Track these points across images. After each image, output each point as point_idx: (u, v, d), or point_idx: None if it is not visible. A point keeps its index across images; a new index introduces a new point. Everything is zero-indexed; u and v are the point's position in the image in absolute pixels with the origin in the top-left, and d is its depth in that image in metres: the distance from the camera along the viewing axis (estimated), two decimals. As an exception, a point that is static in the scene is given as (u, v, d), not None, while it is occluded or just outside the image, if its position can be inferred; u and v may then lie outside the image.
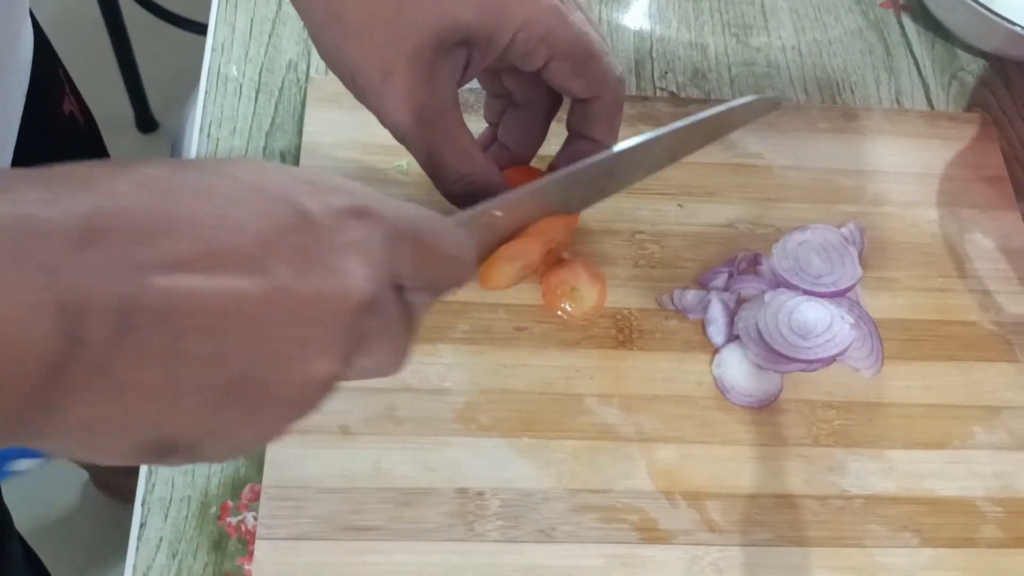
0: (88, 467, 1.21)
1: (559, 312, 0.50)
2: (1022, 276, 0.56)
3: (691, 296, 0.52)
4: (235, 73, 0.58)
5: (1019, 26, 0.59)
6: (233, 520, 0.45)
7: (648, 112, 0.59)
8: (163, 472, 0.45)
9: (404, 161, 0.53)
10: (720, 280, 0.53)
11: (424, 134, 0.40)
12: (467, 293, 0.50)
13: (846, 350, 0.50)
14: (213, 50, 0.58)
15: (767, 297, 0.51)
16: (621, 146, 0.43)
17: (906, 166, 0.59)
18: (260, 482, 0.45)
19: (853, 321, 0.51)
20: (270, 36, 0.59)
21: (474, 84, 0.45)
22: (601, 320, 0.51)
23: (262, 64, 0.58)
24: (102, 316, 0.22)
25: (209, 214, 0.25)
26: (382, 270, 0.28)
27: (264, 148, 0.55)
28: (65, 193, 0.23)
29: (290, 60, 0.58)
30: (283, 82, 0.58)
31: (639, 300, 0.52)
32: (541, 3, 0.38)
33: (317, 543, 0.43)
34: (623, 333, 0.51)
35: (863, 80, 0.64)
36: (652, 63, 0.63)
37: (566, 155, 0.43)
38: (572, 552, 0.45)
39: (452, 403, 0.48)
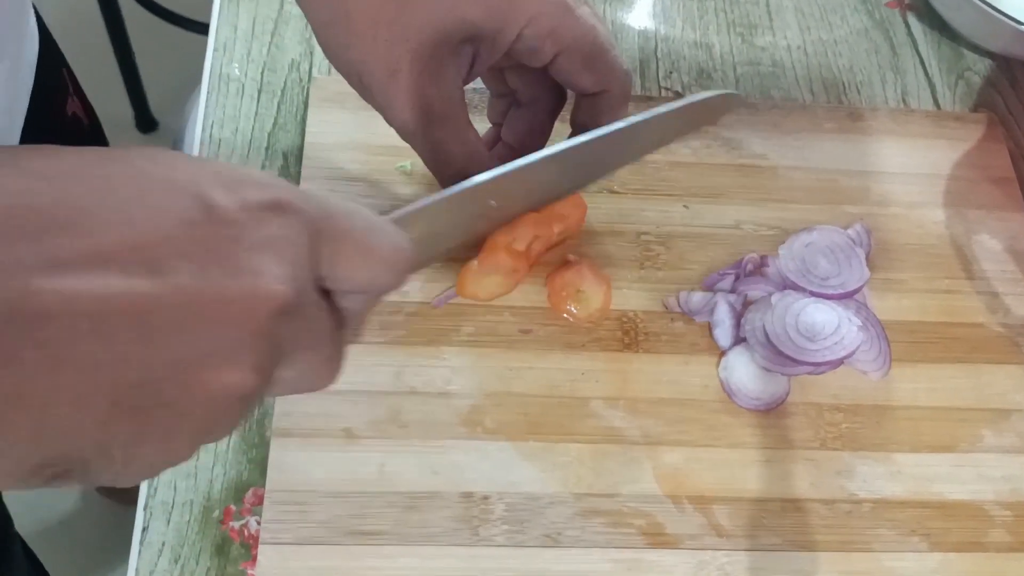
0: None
1: (564, 314, 0.50)
2: (1030, 277, 0.55)
3: (697, 298, 0.51)
4: (237, 73, 0.57)
5: (1026, 26, 0.58)
6: (236, 524, 0.45)
7: (653, 112, 0.58)
8: (166, 476, 0.45)
9: (408, 162, 0.53)
10: (726, 282, 0.52)
11: (430, 132, 0.39)
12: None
13: (854, 352, 0.50)
14: (215, 50, 0.58)
15: (774, 299, 0.51)
16: (574, 141, 0.40)
17: (912, 167, 0.59)
18: (263, 486, 0.44)
19: (861, 323, 0.50)
20: (272, 36, 0.59)
21: (478, 84, 0.44)
22: (607, 323, 0.50)
23: (264, 64, 0.58)
24: None
25: (104, 208, 0.22)
26: (302, 271, 0.26)
27: (266, 148, 0.55)
28: None
29: (293, 60, 0.58)
30: (285, 82, 0.57)
31: (645, 302, 0.51)
32: None
33: (321, 548, 0.43)
34: (629, 336, 0.50)
35: (869, 80, 0.63)
36: (657, 63, 0.62)
37: None
38: (578, 557, 0.44)
39: (457, 406, 0.47)
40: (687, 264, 0.53)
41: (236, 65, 0.57)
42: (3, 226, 0.21)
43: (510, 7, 0.38)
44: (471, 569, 0.43)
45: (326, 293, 0.28)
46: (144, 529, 0.44)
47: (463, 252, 0.46)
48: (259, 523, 0.44)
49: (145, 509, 0.44)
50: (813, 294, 0.51)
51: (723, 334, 0.50)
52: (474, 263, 0.46)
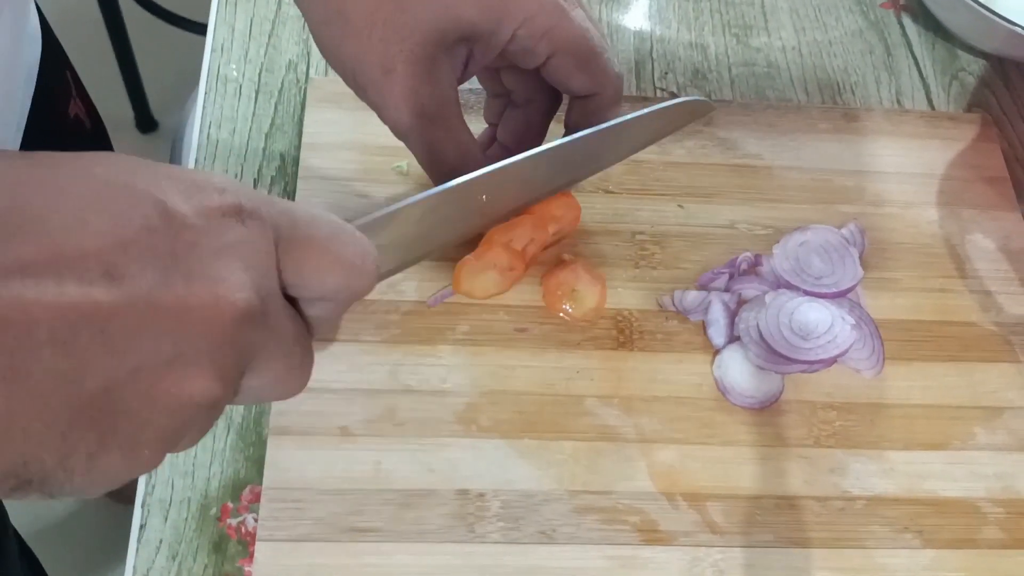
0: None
1: (560, 313, 0.50)
2: (1023, 277, 0.56)
3: (692, 297, 0.51)
4: (235, 74, 0.58)
5: (1019, 26, 0.59)
6: (233, 522, 0.45)
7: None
8: (163, 473, 0.45)
9: (404, 162, 0.53)
10: (721, 281, 0.53)
11: (425, 131, 0.40)
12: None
13: (847, 351, 0.50)
14: (213, 50, 0.58)
15: (768, 298, 0.51)
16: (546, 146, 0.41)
17: (906, 166, 0.59)
18: (260, 484, 0.45)
19: (854, 322, 0.51)
20: (270, 36, 0.59)
21: (474, 84, 0.45)
22: (602, 321, 0.51)
23: (262, 64, 0.58)
24: None
25: (60, 214, 0.22)
26: (265, 278, 0.25)
27: (263, 149, 0.55)
28: None
29: (290, 60, 0.58)
30: (283, 83, 0.58)
31: (639, 301, 0.52)
32: (542, 0, 0.38)
33: (318, 545, 0.43)
34: (624, 334, 0.51)
35: (863, 80, 0.64)
36: (652, 64, 0.63)
37: None
38: (573, 553, 0.45)
39: (452, 404, 0.47)
40: (682, 263, 0.53)
41: (233, 66, 0.58)
42: None
43: (505, 7, 0.38)
44: (467, 566, 0.44)
45: (292, 300, 0.27)
46: (141, 527, 0.44)
47: (458, 251, 0.47)
48: (256, 520, 0.44)
49: (142, 507, 0.45)
50: (807, 293, 0.51)
51: (717, 333, 0.51)
52: (470, 257, 0.47)
